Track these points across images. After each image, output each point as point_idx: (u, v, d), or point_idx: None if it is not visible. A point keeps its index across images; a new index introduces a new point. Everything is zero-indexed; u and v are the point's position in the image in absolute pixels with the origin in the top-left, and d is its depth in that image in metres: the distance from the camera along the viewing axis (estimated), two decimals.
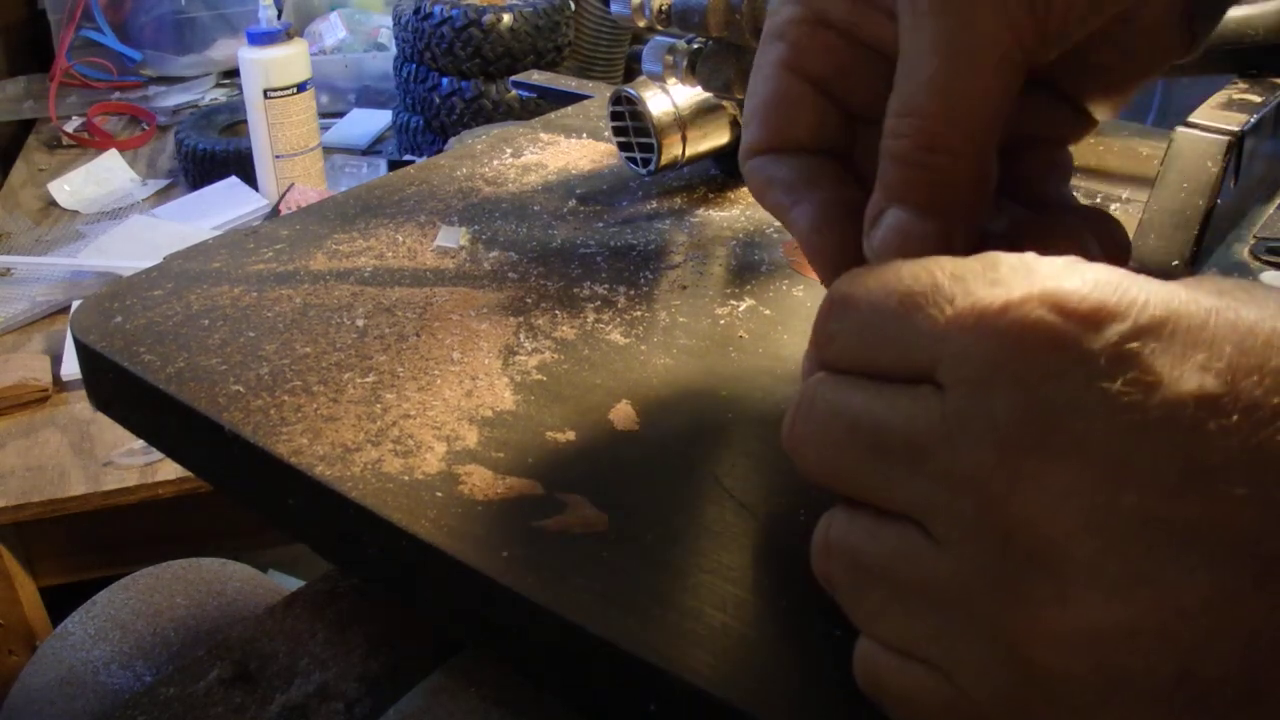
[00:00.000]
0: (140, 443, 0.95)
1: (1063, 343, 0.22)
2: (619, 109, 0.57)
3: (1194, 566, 0.21)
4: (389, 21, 1.68)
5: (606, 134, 0.61)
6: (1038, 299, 0.22)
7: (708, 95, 0.55)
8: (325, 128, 1.57)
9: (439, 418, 0.39)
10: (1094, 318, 0.22)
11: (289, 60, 1.36)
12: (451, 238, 0.53)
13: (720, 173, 0.61)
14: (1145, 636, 0.21)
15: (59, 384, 1.08)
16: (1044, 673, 0.22)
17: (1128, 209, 0.57)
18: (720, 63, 0.51)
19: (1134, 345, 0.21)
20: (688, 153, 0.57)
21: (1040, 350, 0.22)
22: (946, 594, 0.23)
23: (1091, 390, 0.21)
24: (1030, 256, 0.24)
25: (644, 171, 0.58)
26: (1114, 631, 0.21)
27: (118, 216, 1.44)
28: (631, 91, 0.56)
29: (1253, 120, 0.48)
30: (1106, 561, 0.21)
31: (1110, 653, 0.21)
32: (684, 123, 0.56)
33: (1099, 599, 0.21)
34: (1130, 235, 0.37)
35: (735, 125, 0.58)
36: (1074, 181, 0.40)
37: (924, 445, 0.23)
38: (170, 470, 0.97)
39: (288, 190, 1.34)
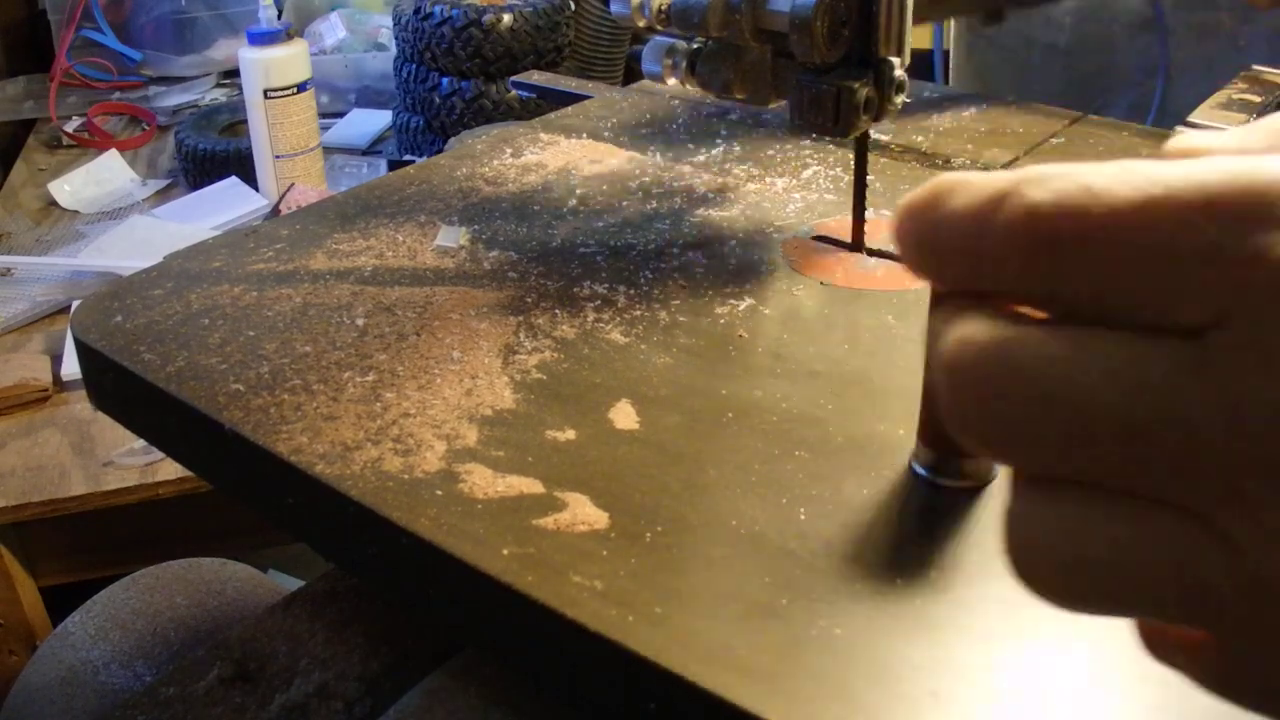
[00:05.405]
0: (140, 443, 0.95)
1: None
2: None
3: None
4: (389, 21, 1.68)
5: (607, 134, 0.61)
6: None
7: None
8: (325, 128, 1.57)
9: (439, 416, 0.39)
10: None
11: (289, 60, 1.36)
12: (451, 237, 0.53)
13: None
14: None
15: (59, 384, 1.08)
16: None
17: None
18: (720, 63, 0.51)
19: None
20: None
21: None
22: (1232, 605, 0.18)
23: None
24: None
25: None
26: None
27: (118, 216, 1.43)
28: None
29: (1253, 120, 0.48)
30: None
31: None
32: None
33: None
34: None
35: None
36: None
37: (1186, 417, 0.18)
38: (170, 470, 0.97)
39: (288, 190, 1.33)
